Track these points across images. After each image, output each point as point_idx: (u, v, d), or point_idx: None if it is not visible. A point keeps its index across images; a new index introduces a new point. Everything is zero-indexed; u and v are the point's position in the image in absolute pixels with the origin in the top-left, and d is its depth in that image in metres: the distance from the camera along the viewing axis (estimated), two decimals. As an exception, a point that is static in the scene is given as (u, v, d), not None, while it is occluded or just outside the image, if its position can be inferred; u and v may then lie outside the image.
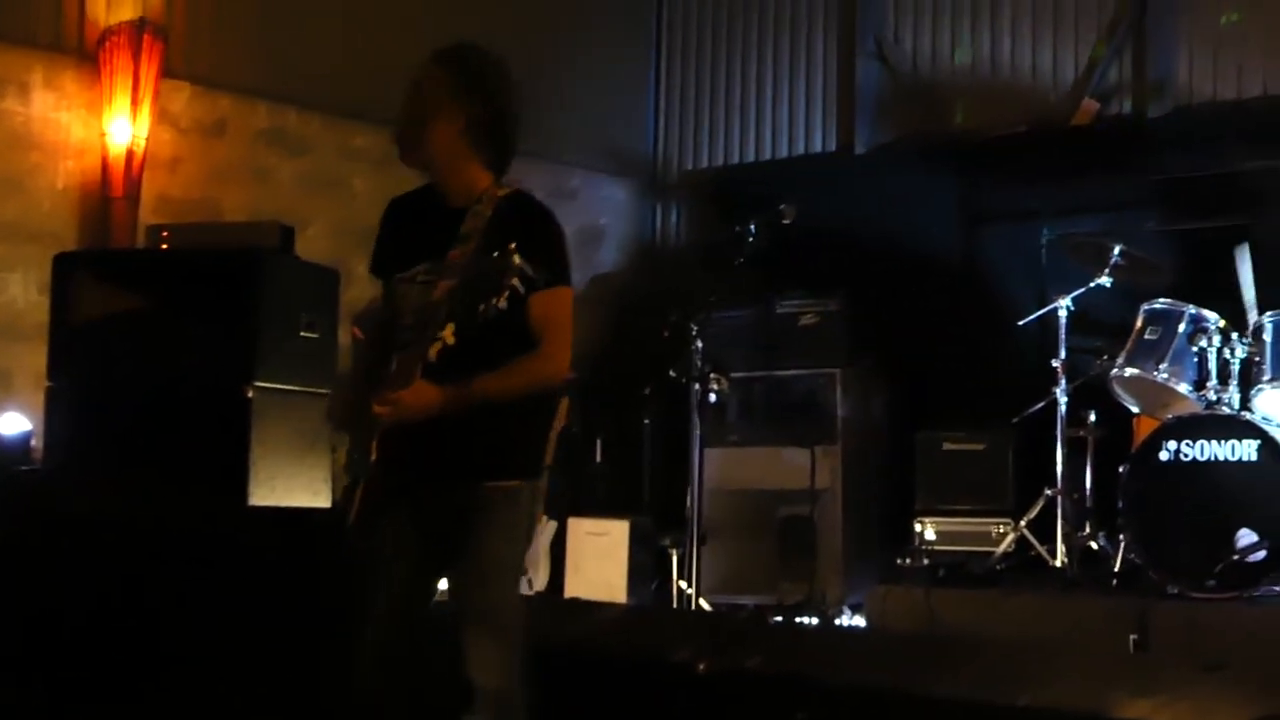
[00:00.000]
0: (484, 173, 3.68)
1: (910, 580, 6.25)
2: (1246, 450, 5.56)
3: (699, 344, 5.94)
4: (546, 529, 7.35)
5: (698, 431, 5.94)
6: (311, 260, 6.25)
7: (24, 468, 5.63)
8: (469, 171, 3.66)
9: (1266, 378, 5.75)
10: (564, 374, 3.68)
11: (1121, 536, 5.84)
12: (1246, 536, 5.46)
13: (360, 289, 7.93)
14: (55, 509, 4.85)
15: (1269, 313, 5.84)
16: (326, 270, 5.97)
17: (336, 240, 7.85)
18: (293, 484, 5.51)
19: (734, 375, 6.72)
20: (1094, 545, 6.28)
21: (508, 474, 3.56)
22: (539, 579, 7.30)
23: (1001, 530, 6.72)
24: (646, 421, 7.72)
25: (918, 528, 7.07)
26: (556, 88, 9.24)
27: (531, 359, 3.56)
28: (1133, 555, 5.75)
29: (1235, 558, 5.43)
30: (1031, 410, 6.59)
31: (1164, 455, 5.70)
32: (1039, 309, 6.68)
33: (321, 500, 5.60)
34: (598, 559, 7.14)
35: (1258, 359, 5.79)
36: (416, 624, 3.56)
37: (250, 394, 5.37)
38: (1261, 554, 5.42)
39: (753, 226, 6.12)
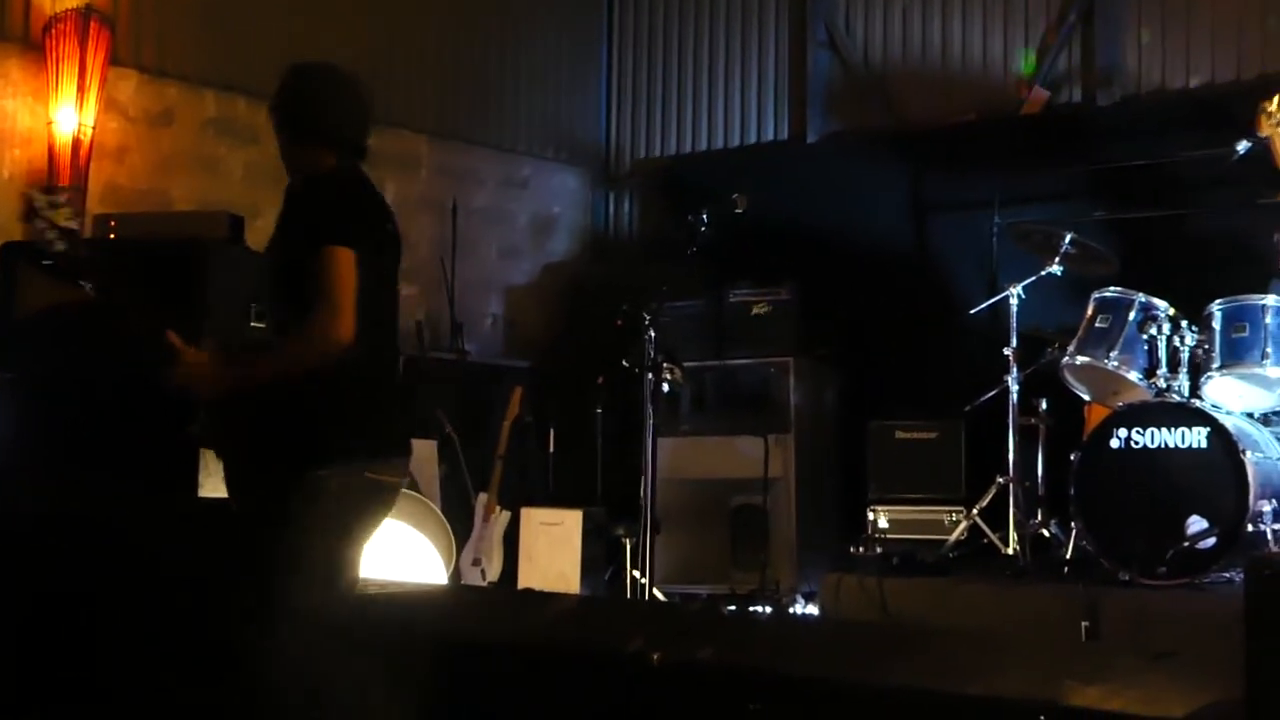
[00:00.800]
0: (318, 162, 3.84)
1: (863, 569, 6.26)
2: (1196, 438, 5.60)
3: (652, 334, 5.93)
4: (500, 519, 7.33)
5: (651, 421, 5.93)
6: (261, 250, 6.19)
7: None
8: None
9: (1216, 365, 5.79)
10: (339, 341, 3.55)
11: (1073, 524, 5.87)
12: (1196, 523, 5.50)
13: (310, 279, 7.93)
14: (2, 504, 4.79)
15: (1217, 301, 5.88)
16: (276, 260, 5.90)
17: (286, 230, 7.79)
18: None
19: (687, 365, 6.72)
20: (1045, 533, 6.32)
21: (302, 460, 3.51)
22: (492, 569, 7.29)
23: (954, 519, 6.76)
24: (599, 411, 7.71)
25: (870, 516, 7.09)
26: (507, 77, 9.23)
27: (296, 334, 3.56)
28: (1084, 543, 5.79)
29: (1185, 545, 5.48)
30: (983, 399, 6.62)
31: (1115, 443, 5.74)
32: (990, 298, 6.72)
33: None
34: (551, 549, 7.14)
35: (1206, 347, 5.83)
36: None
37: (199, 385, 5.30)
38: (1211, 541, 5.46)
39: (705, 216, 6.12)
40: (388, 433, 3.81)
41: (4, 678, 4.18)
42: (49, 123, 7.00)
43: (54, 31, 7.03)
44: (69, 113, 7.00)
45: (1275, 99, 3.44)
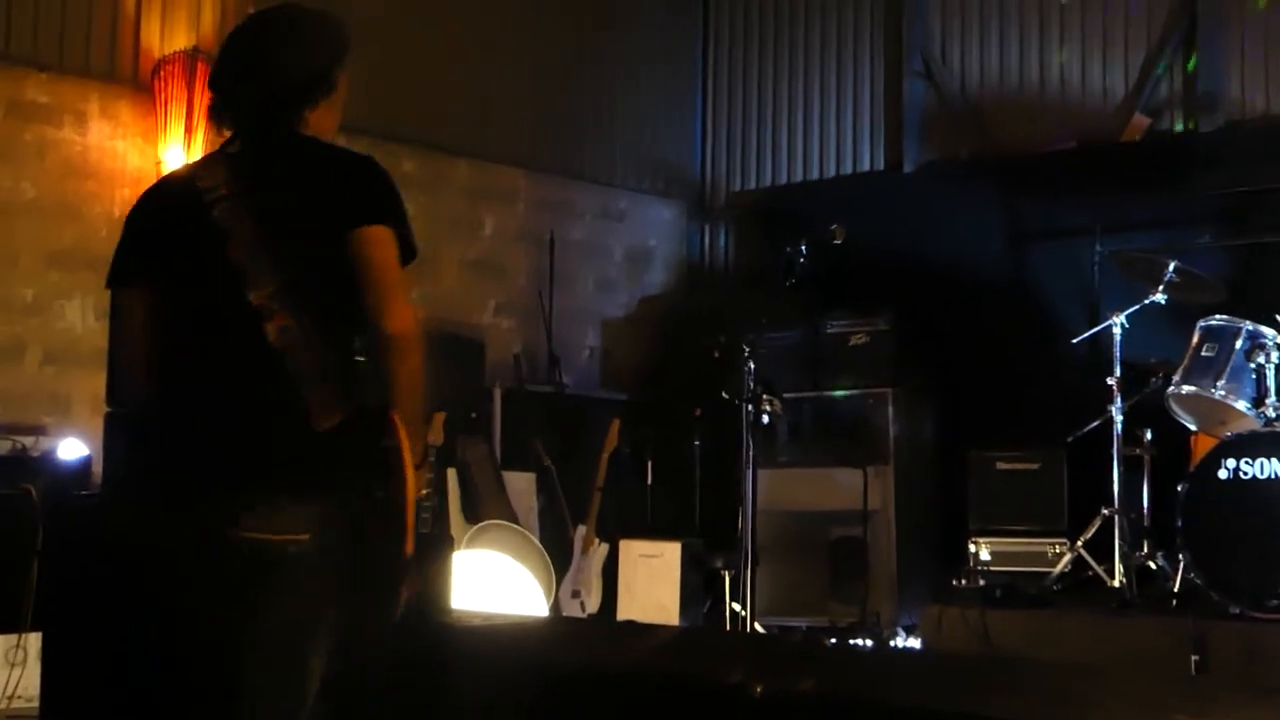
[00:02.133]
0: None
1: (965, 601, 6.19)
2: (1307, 468, 5.50)
3: (751, 365, 5.92)
4: (599, 551, 7.36)
5: (750, 453, 5.92)
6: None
7: (84, 492, 5.68)
8: None
9: (1327, 394, 5.69)
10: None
11: (1180, 556, 5.77)
12: (1309, 555, 5.39)
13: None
14: (115, 535, 4.88)
15: (1327, 328, 5.77)
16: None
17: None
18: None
19: (784, 396, 6.71)
20: (1152, 565, 6.21)
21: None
22: (592, 601, 7.31)
23: (1057, 550, 6.66)
24: (696, 443, 7.72)
25: (972, 548, 7.01)
26: (603, 111, 9.31)
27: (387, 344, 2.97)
28: (1192, 575, 5.69)
29: (1297, 577, 5.37)
30: (1086, 429, 6.54)
31: (1223, 473, 5.64)
32: (1091, 326, 6.64)
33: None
34: (650, 581, 7.14)
35: (1318, 375, 5.73)
36: None
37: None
38: (1324, 557, 5.35)
39: (804, 247, 6.11)
40: None
41: (119, 706, 4.25)
42: (158, 162, 7.17)
43: (163, 73, 7.21)
44: (177, 152, 7.16)
45: None
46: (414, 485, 2.82)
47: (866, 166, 9.27)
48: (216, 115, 3.08)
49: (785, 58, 9.68)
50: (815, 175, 9.49)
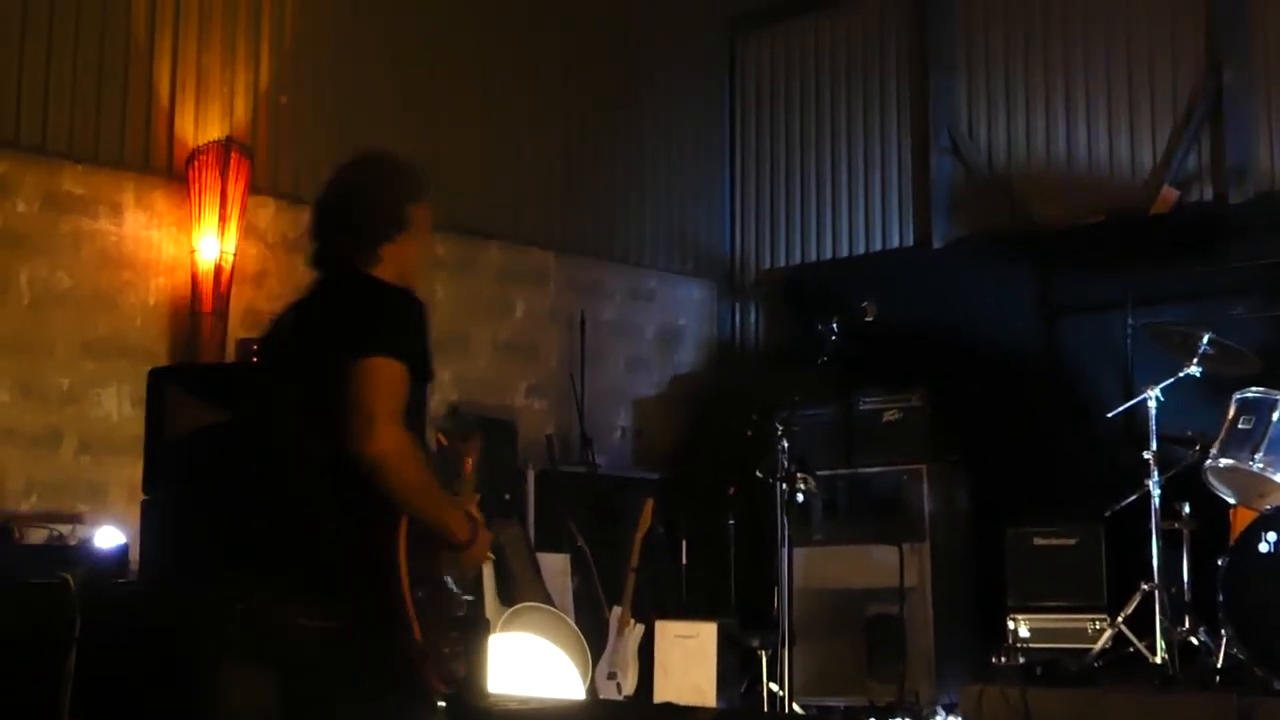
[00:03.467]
0: None
1: (1005, 679, 6.13)
2: (1350, 540, 5.44)
3: (785, 443, 5.91)
4: (634, 631, 7.32)
5: (785, 531, 5.90)
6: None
7: (120, 580, 5.69)
8: None
9: (1365, 465, 5.64)
10: None
11: (1223, 631, 5.70)
12: (1353, 629, 5.33)
13: (442, 393, 8.05)
14: (152, 622, 4.89)
15: (1364, 399, 5.73)
16: (412, 378, 6.01)
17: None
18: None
19: (818, 474, 6.69)
20: (1194, 641, 6.14)
21: None
22: (628, 683, 7.26)
23: (1097, 626, 6.60)
24: (731, 521, 7.69)
25: (1011, 625, 6.95)
26: (632, 192, 9.39)
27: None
28: (1235, 651, 5.62)
29: (1342, 652, 5.30)
30: (1124, 503, 6.49)
31: (1264, 547, 5.59)
32: (1125, 400, 6.61)
33: (411, 608, 5.59)
34: (686, 661, 7.09)
35: (1356, 446, 5.69)
36: None
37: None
38: (1370, 647, 5.28)
39: (835, 324, 6.12)
40: None
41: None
42: (192, 250, 7.26)
43: (197, 163, 7.30)
44: (211, 240, 7.24)
45: None
46: (407, 587, 3.07)
47: (896, 243, 9.30)
48: (313, 262, 3.44)
49: (812, 135, 9.75)
50: (845, 252, 9.52)
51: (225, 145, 7.34)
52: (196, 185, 7.29)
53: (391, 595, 3.03)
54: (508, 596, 7.31)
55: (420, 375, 3.18)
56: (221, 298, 7.25)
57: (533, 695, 5.65)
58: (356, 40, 8.05)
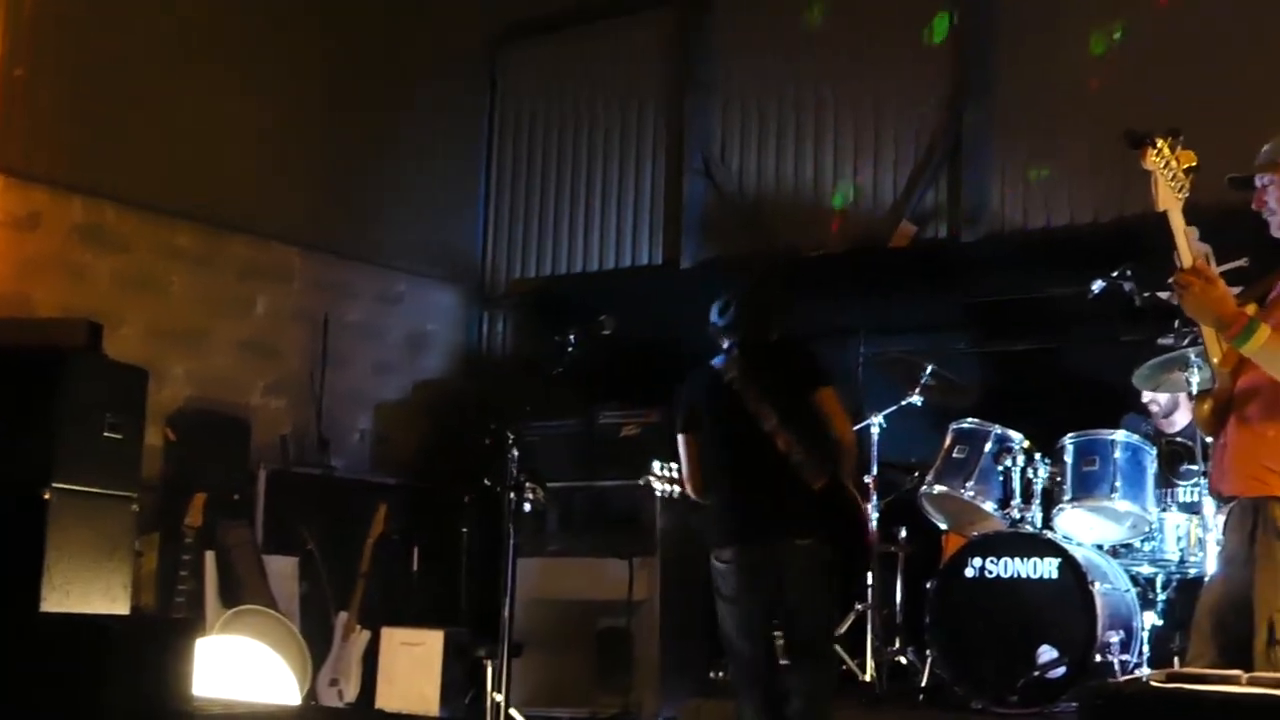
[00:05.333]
0: None
1: (724, 694, 6.22)
2: (1048, 568, 5.71)
3: (515, 453, 5.90)
4: (360, 638, 7.23)
5: (512, 541, 5.88)
6: (122, 360, 6.10)
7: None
8: None
9: (1067, 498, 5.92)
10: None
11: (928, 652, 5.91)
12: (1047, 653, 5.59)
13: (175, 389, 7.82)
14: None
15: (1069, 435, 6.02)
16: (135, 370, 5.80)
17: (151, 340, 7.69)
18: (90, 590, 5.32)
19: (554, 485, 6.68)
20: (903, 660, 6.35)
21: None
22: (350, 690, 7.16)
23: (816, 644, 6.75)
24: (465, 530, 7.65)
25: (733, 641, 7.05)
26: (386, 193, 9.25)
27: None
28: (939, 671, 5.83)
29: (1036, 674, 5.55)
30: (845, 524, 6.66)
31: (969, 572, 5.83)
32: (854, 426, 6.79)
33: (119, 606, 5.40)
34: (411, 670, 7.02)
35: (1059, 479, 5.97)
36: None
37: (48, 496, 5.18)
38: (1061, 670, 5.54)
39: (572, 337, 6.15)
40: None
41: None
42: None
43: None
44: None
45: (1167, 139, 3.54)
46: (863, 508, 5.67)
47: (645, 260, 9.39)
48: (724, 335, 5.47)
49: (569, 150, 9.78)
50: (595, 267, 9.57)
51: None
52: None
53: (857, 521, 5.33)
54: (231, 599, 7.13)
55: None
56: (-61, 275, 6.89)
57: (241, 700, 5.51)
58: (106, 17, 7.72)
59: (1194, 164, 3.57)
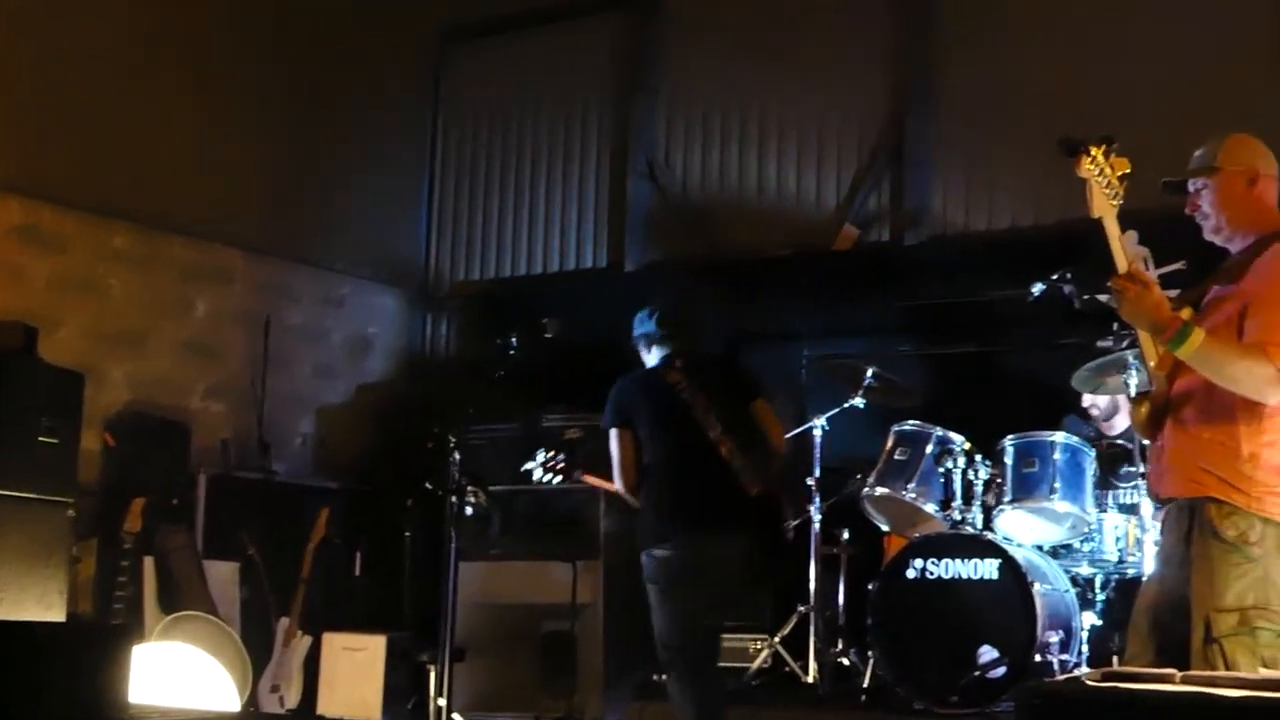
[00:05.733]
0: None
1: (666, 697, 6.21)
2: (988, 569, 5.74)
3: (457, 456, 5.88)
4: (301, 643, 7.17)
5: (454, 545, 5.85)
6: (60, 363, 6.03)
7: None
8: None
9: (1007, 499, 5.95)
10: None
11: (870, 653, 5.93)
12: (987, 653, 5.61)
13: (114, 393, 7.73)
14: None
15: (1009, 437, 6.05)
16: (71, 374, 5.76)
17: (90, 343, 7.60)
18: (24, 596, 5.25)
19: (496, 488, 6.67)
20: (845, 661, 6.37)
21: None
22: (291, 696, 7.10)
23: (758, 646, 6.77)
24: (407, 534, 7.60)
25: (677, 643, 7.05)
26: (329, 195, 9.19)
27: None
28: (881, 672, 5.85)
29: (977, 674, 5.58)
30: (788, 527, 6.68)
31: (911, 573, 5.85)
32: (799, 428, 6.82)
33: (55, 613, 5.34)
34: (353, 675, 6.97)
35: (999, 481, 6.00)
36: None
37: (-20, 500, 5.13)
38: (1001, 671, 5.57)
39: (514, 339, 6.13)
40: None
41: None
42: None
43: None
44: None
45: (1101, 146, 3.58)
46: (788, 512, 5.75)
47: (590, 263, 9.37)
48: (660, 343, 5.73)
49: (513, 153, 9.75)
50: (539, 269, 9.54)
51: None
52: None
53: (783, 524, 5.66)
54: (170, 604, 7.06)
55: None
56: None
57: (178, 708, 5.44)
58: (42, 18, 7.60)
59: (1128, 171, 3.61)
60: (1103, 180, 3.56)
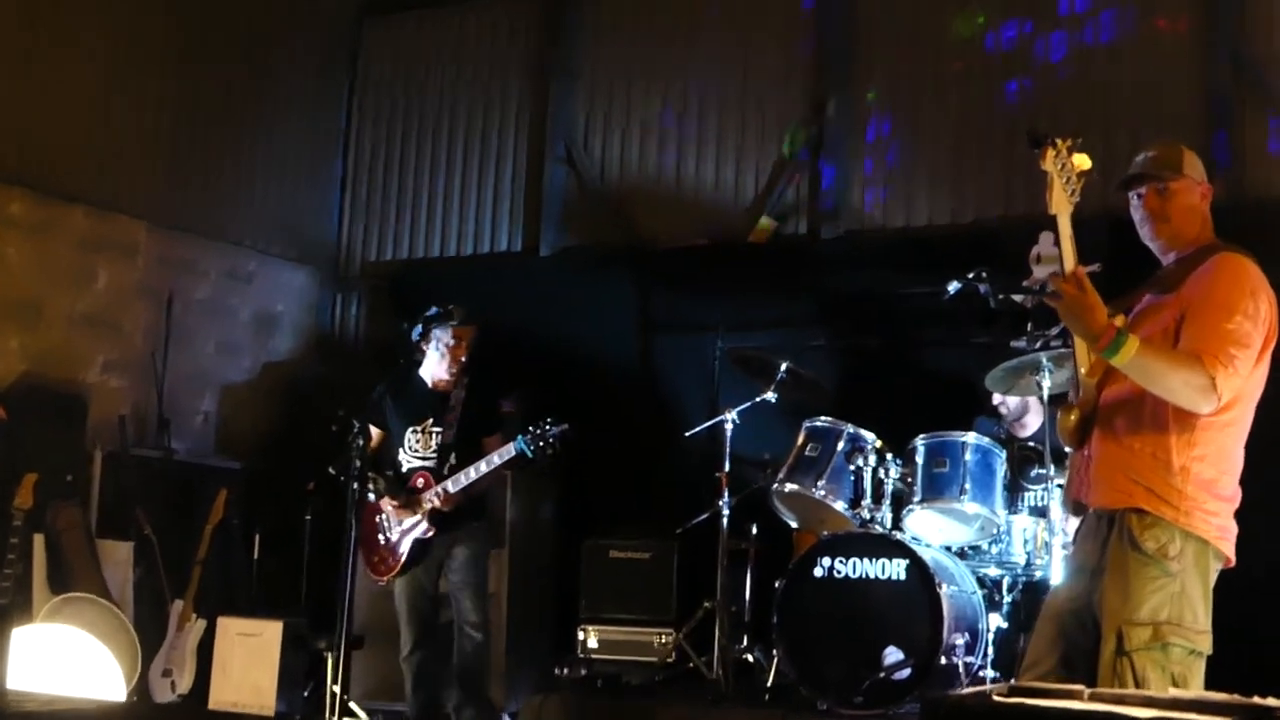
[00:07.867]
0: None
1: (568, 689, 6.14)
2: (896, 569, 5.69)
3: (359, 441, 5.73)
4: (195, 627, 7.01)
5: (353, 532, 5.71)
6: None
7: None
8: None
9: (917, 499, 5.91)
10: None
11: (775, 651, 5.87)
12: (893, 654, 5.57)
13: (7, 363, 7.49)
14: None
15: (920, 436, 6.01)
16: (-42, 345, 5.53)
17: (-16, 312, 7.38)
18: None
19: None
20: (749, 658, 6.31)
21: None
22: (184, 681, 6.93)
23: (663, 641, 6.71)
24: (308, 518, 7.44)
25: (580, 635, 6.99)
26: (238, 169, 8.99)
27: None
28: (785, 670, 5.79)
29: (881, 675, 5.53)
30: (696, 521, 6.62)
31: (818, 571, 5.78)
32: (710, 420, 6.74)
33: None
34: (248, 660, 6.81)
35: (909, 480, 5.95)
36: None
37: None
38: (906, 672, 5.53)
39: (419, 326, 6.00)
40: None
41: None
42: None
43: None
44: None
45: (1067, 141, 3.52)
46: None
47: (504, 247, 9.24)
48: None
49: (429, 133, 9.59)
50: (453, 251, 9.39)
51: None
52: None
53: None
54: (60, 584, 6.86)
55: None
56: None
57: (61, 694, 5.26)
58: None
59: (1087, 168, 3.55)
60: (1064, 176, 3.50)
